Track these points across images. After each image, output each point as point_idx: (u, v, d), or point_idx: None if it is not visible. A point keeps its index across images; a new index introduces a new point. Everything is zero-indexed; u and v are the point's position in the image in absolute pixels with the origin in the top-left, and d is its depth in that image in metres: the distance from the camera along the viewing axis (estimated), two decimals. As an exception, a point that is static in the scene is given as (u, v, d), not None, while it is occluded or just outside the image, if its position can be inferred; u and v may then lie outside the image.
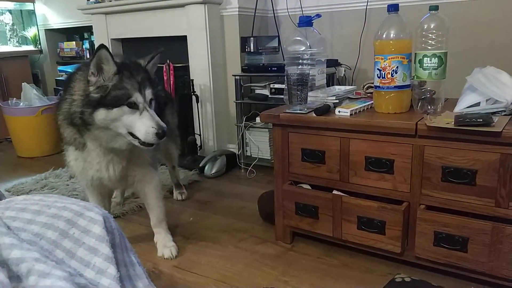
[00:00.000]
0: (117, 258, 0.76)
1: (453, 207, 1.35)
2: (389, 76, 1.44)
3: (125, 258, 0.80)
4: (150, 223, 1.77)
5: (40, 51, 4.15)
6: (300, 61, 1.61)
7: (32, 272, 0.61)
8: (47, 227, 0.75)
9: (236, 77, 2.64)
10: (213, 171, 2.63)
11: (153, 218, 1.75)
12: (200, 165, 2.68)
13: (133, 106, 1.36)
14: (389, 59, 1.43)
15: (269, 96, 2.58)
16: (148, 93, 1.39)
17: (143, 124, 1.35)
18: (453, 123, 1.27)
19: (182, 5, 2.74)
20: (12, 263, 0.64)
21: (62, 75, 3.84)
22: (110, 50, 1.35)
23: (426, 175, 1.38)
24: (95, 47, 3.38)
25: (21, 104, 3.29)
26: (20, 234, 0.73)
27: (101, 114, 1.34)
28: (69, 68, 3.74)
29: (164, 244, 1.72)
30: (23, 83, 3.37)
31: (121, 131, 1.39)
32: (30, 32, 4.16)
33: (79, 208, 0.79)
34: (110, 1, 3.12)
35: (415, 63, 1.45)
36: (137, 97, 1.35)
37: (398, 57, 1.42)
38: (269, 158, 2.66)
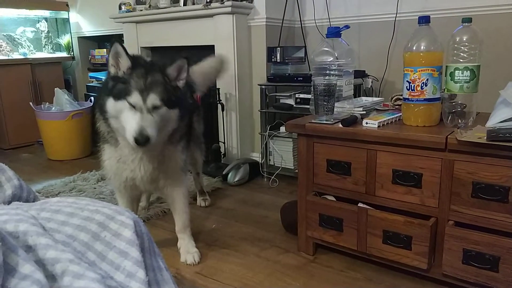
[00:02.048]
0: (146, 263, 0.77)
1: (484, 225, 1.31)
2: (419, 88, 1.42)
3: (153, 263, 0.81)
4: (174, 228, 1.79)
5: (73, 58, 4.29)
6: (328, 71, 1.61)
7: (67, 273, 0.63)
8: (80, 229, 0.77)
9: (262, 86, 2.66)
10: (236, 179, 2.64)
11: (178, 224, 1.77)
12: (224, 173, 2.70)
13: (132, 105, 1.37)
14: (419, 71, 1.41)
15: (294, 105, 2.58)
16: (152, 97, 1.37)
17: (129, 124, 1.36)
18: (485, 138, 1.24)
19: (210, 15, 2.79)
20: (48, 263, 0.66)
21: (92, 81, 3.95)
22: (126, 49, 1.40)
23: (455, 191, 1.35)
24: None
25: (53, 108, 3.40)
26: (55, 235, 0.75)
27: (110, 103, 1.39)
28: (99, 75, 3.84)
29: (187, 250, 1.74)
30: (55, 88, 3.48)
31: (124, 126, 1.40)
32: (64, 40, 4.31)
33: (110, 212, 0.80)
34: (141, 10, 3.20)
35: (446, 75, 1.43)
36: (134, 98, 1.35)
37: (428, 69, 1.40)
38: (292, 168, 2.65)
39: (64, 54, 4.28)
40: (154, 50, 3.42)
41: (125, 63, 1.40)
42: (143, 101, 1.36)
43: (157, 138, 1.39)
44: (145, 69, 1.40)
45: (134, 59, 1.41)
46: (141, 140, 1.34)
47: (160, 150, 1.55)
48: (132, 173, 1.57)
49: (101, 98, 1.47)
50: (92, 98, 3.57)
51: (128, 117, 1.36)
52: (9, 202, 0.93)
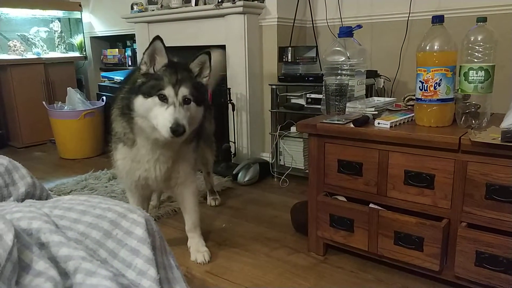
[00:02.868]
0: (157, 261, 0.77)
1: (497, 227, 1.29)
2: (432, 88, 1.41)
3: (164, 261, 0.81)
4: (184, 227, 1.79)
5: (85, 58, 4.33)
6: (339, 71, 1.60)
7: (79, 270, 0.64)
8: (92, 227, 0.78)
9: (273, 86, 2.65)
10: (246, 178, 2.64)
11: (188, 223, 1.77)
12: (234, 172, 2.70)
13: (164, 100, 1.37)
14: (432, 71, 1.40)
15: (305, 105, 2.57)
16: (183, 90, 1.39)
17: (163, 117, 1.36)
18: (499, 138, 1.22)
19: (222, 15, 2.80)
20: (61, 260, 0.66)
21: (104, 81, 3.98)
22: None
23: (468, 192, 1.33)
24: (137, 54, 3.47)
25: (66, 107, 3.44)
26: (67, 232, 0.76)
27: (138, 101, 1.39)
28: (111, 74, 3.87)
29: (197, 249, 1.74)
30: (68, 88, 3.52)
31: (153, 123, 1.39)
32: (77, 39, 4.36)
33: (122, 210, 0.81)
34: (153, 10, 3.22)
35: (460, 76, 1.41)
36: (168, 91, 1.37)
37: (441, 69, 1.39)
38: (303, 168, 2.65)
39: (76, 54, 4.33)
40: (165, 49, 3.44)
41: (162, 61, 1.41)
42: (175, 94, 1.37)
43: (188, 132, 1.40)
44: (175, 67, 1.42)
45: (170, 58, 1.43)
46: (179, 130, 1.34)
47: (176, 150, 1.56)
48: (146, 172, 1.58)
49: (124, 97, 1.47)
50: (104, 97, 3.61)
51: (160, 112, 1.36)
52: (22, 200, 0.94)
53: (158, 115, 1.36)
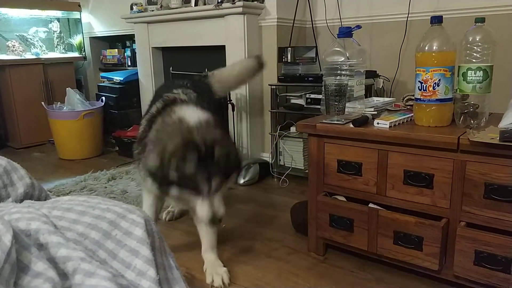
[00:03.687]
0: (156, 261, 0.77)
1: (496, 226, 1.29)
2: (431, 88, 1.41)
3: (164, 262, 0.81)
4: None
5: (84, 58, 4.33)
6: (339, 71, 1.60)
7: (78, 271, 0.64)
8: (91, 227, 0.78)
9: (272, 86, 2.66)
10: (246, 179, 2.64)
11: (205, 244, 1.68)
12: (234, 173, 2.69)
13: (198, 192, 1.37)
14: (431, 71, 1.40)
15: (305, 106, 2.57)
16: (216, 182, 1.37)
17: (200, 209, 1.37)
18: (498, 138, 1.22)
19: (221, 16, 2.80)
20: (59, 261, 0.66)
21: (103, 81, 3.98)
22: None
23: (467, 191, 1.33)
24: (136, 54, 3.46)
25: (65, 108, 3.44)
26: (66, 233, 0.76)
27: (173, 191, 1.38)
28: (111, 75, 3.87)
29: (216, 271, 1.60)
30: (67, 88, 3.52)
31: (192, 206, 1.41)
32: (76, 40, 4.35)
33: (121, 210, 0.81)
34: (152, 10, 3.22)
35: (458, 76, 1.41)
36: (202, 187, 1.36)
37: (440, 69, 1.39)
38: (303, 168, 2.65)
39: (76, 54, 4.32)
40: (165, 50, 3.44)
41: (192, 162, 1.34)
42: (209, 187, 1.36)
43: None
44: (203, 157, 1.34)
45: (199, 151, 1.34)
46: (213, 221, 1.38)
47: None
48: None
49: (158, 170, 1.37)
50: (104, 98, 3.60)
51: (196, 202, 1.38)
52: (21, 201, 0.94)
53: (196, 205, 1.38)
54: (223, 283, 1.55)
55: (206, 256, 1.68)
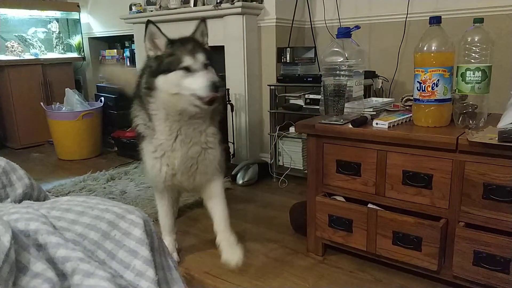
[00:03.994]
0: (155, 262, 0.77)
1: (495, 226, 1.30)
2: (430, 89, 1.41)
3: (163, 262, 0.81)
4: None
5: (83, 58, 4.32)
6: (338, 72, 1.60)
7: (77, 271, 0.64)
8: (90, 228, 0.78)
9: (271, 87, 2.66)
10: (245, 179, 2.64)
11: (220, 225, 1.65)
12: (233, 173, 2.70)
13: (188, 69, 1.42)
14: (430, 72, 1.40)
15: (304, 106, 2.57)
16: (200, 56, 1.44)
17: (196, 82, 1.41)
18: (496, 138, 1.23)
19: (220, 16, 2.80)
20: (58, 261, 0.66)
21: (102, 82, 3.97)
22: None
23: (466, 192, 1.33)
24: (135, 54, 3.46)
25: (64, 108, 3.43)
26: (65, 233, 0.76)
27: (160, 80, 1.44)
28: (110, 75, 3.86)
29: (232, 249, 1.57)
30: (66, 89, 3.52)
31: (184, 93, 1.43)
32: (75, 40, 4.35)
33: (121, 211, 0.81)
34: (151, 11, 3.22)
35: (457, 76, 1.42)
36: (188, 61, 1.42)
37: (439, 70, 1.39)
38: (302, 168, 2.65)
39: (74, 55, 4.32)
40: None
41: (162, 41, 1.46)
42: (195, 61, 1.42)
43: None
44: (181, 41, 1.48)
45: (169, 37, 1.48)
46: (214, 85, 1.40)
47: (198, 132, 1.55)
48: (171, 166, 1.55)
49: (144, 84, 1.49)
50: (103, 98, 3.60)
51: (189, 81, 1.42)
52: (20, 201, 0.94)
53: (190, 84, 1.41)
54: (239, 260, 1.52)
55: (222, 234, 1.63)
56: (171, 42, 1.47)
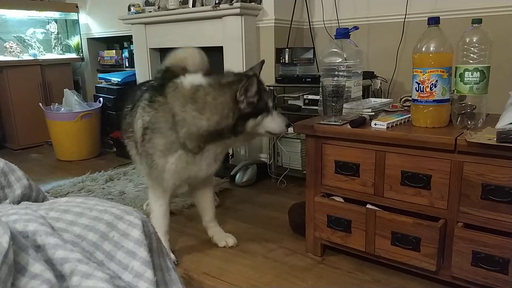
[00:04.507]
0: (154, 263, 0.77)
1: (493, 226, 1.30)
2: (428, 89, 1.41)
3: (161, 263, 0.81)
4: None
5: (82, 59, 4.32)
6: (336, 72, 1.61)
7: (75, 273, 0.64)
8: (89, 229, 0.78)
9: (270, 87, 2.66)
10: (244, 179, 2.64)
11: (209, 215, 1.89)
12: (231, 174, 2.70)
13: (268, 111, 1.64)
14: (428, 72, 1.40)
15: (302, 107, 2.57)
16: (270, 100, 1.68)
17: (276, 122, 1.66)
18: (495, 139, 1.23)
19: (219, 17, 2.80)
20: (57, 262, 0.66)
21: (101, 82, 3.97)
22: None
23: (464, 192, 1.33)
24: (134, 55, 3.45)
25: (62, 109, 3.43)
26: (63, 234, 0.76)
27: (250, 124, 1.61)
28: (109, 76, 3.87)
29: (225, 235, 1.88)
30: (65, 89, 3.52)
31: (260, 131, 1.65)
32: (73, 41, 4.34)
33: (119, 212, 0.81)
34: (150, 11, 3.22)
35: (455, 77, 1.42)
36: (270, 104, 1.66)
37: (437, 70, 1.39)
38: (300, 168, 2.65)
39: (73, 55, 4.32)
40: (163, 51, 3.44)
41: (254, 89, 1.57)
42: (272, 102, 1.70)
43: None
44: (259, 85, 1.59)
45: (258, 83, 1.59)
46: (288, 124, 1.69)
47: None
48: (198, 172, 1.68)
49: (231, 125, 1.57)
50: (101, 99, 3.60)
51: (269, 121, 1.64)
52: (18, 202, 0.94)
53: (270, 123, 1.64)
54: (235, 241, 1.85)
55: (211, 225, 1.90)
56: (259, 90, 1.60)
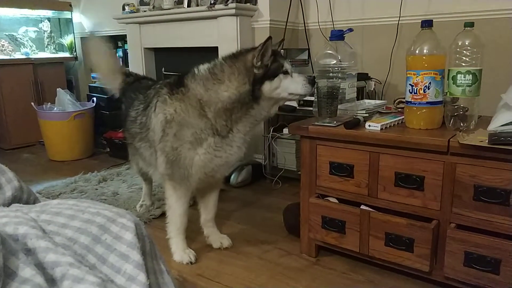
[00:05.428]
0: (147, 266, 0.77)
1: (485, 227, 1.31)
2: (421, 91, 1.42)
3: (154, 266, 0.81)
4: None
5: (75, 58, 4.29)
6: (331, 74, 1.61)
7: (67, 277, 0.63)
8: (81, 232, 0.77)
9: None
10: (239, 180, 2.64)
11: (210, 214, 1.88)
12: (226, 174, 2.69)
13: (286, 73, 1.60)
14: (422, 74, 1.41)
15: (297, 108, 2.57)
16: (288, 62, 1.65)
17: (298, 82, 1.60)
18: (487, 141, 1.24)
19: (214, 17, 2.79)
20: (48, 266, 0.66)
21: (95, 82, 3.95)
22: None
23: (457, 193, 1.34)
24: (128, 55, 3.43)
25: (55, 109, 3.40)
26: (55, 238, 0.75)
27: (266, 87, 1.58)
28: (102, 75, 3.83)
29: (220, 236, 1.88)
30: (57, 89, 3.48)
31: (282, 95, 1.61)
32: (67, 40, 4.31)
33: (111, 214, 0.80)
34: (145, 11, 3.21)
35: (448, 79, 1.43)
36: (287, 65, 1.62)
37: (431, 73, 1.40)
38: (295, 169, 2.65)
39: (66, 54, 4.28)
40: (157, 51, 3.42)
41: (270, 53, 1.59)
42: (290, 65, 1.63)
43: None
44: (275, 51, 1.62)
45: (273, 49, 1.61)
46: (312, 81, 1.60)
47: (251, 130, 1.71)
48: (228, 157, 1.68)
49: (246, 91, 1.57)
50: (95, 98, 3.58)
51: (289, 82, 1.60)
52: (9, 204, 0.93)
53: (290, 84, 1.60)
54: (230, 242, 1.86)
55: (209, 224, 1.89)
56: (274, 53, 1.61)
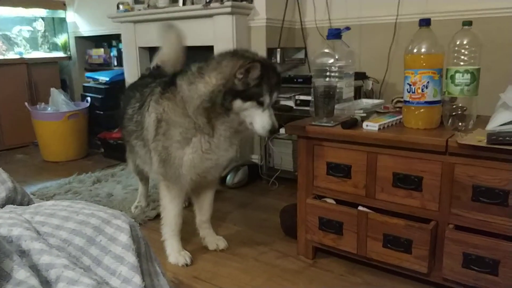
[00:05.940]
0: (142, 268, 0.75)
1: (484, 228, 1.30)
2: (419, 91, 1.41)
3: (150, 268, 0.79)
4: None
5: (69, 58, 4.25)
6: (328, 73, 1.60)
7: (61, 279, 0.61)
8: (75, 233, 0.75)
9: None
10: (235, 181, 2.63)
11: (205, 215, 1.86)
12: (222, 175, 2.67)
13: (260, 103, 1.52)
14: (420, 74, 1.40)
15: (294, 107, 2.56)
16: (275, 96, 1.56)
17: (261, 120, 1.53)
18: (485, 141, 1.23)
19: (210, 15, 2.77)
20: (42, 268, 0.64)
21: (89, 81, 3.91)
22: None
23: (455, 194, 1.33)
24: (123, 54, 3.40)
25: (49, 109, 3.37)
26: (49, 239, 0.73)
27: (237, 104, 1.52)
28: (96, 75, 3.81)
29: (216, 238, 1.86)
30: (51, 89, 3.45)
31: (246, 120, 1.56)
32: (61, 39, 4.28)
33: (106, 216, 0.79)
34: (139, 10, 3.18)
35: (446, 78, 1.42)
36: (265, 99, 1.52)
37: (429, 72, 1.39)
38: (292, 170, 2.64)
39: (60, 54, 4.25)
40: (152, 50, 3.40)
41: (256, 74, 1.48)
42: (270, 100, 1.53)
43: None
44: (268, 74, 1.52)
45: (263, 68, 1.48)
46: (273, 131, 1.55)
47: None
48: (216, 160, 1.65)
49: (221, 100, 1.52)
50: (89, 98, 3.55)
51: (256, 113, 1.53)
52: (2, 205, 0.91)
53: (255, 116, 1.53)
54: (226, 244, 1.84)
55: (205, 226, 1.87)
56: (262, 74, 1.49)
